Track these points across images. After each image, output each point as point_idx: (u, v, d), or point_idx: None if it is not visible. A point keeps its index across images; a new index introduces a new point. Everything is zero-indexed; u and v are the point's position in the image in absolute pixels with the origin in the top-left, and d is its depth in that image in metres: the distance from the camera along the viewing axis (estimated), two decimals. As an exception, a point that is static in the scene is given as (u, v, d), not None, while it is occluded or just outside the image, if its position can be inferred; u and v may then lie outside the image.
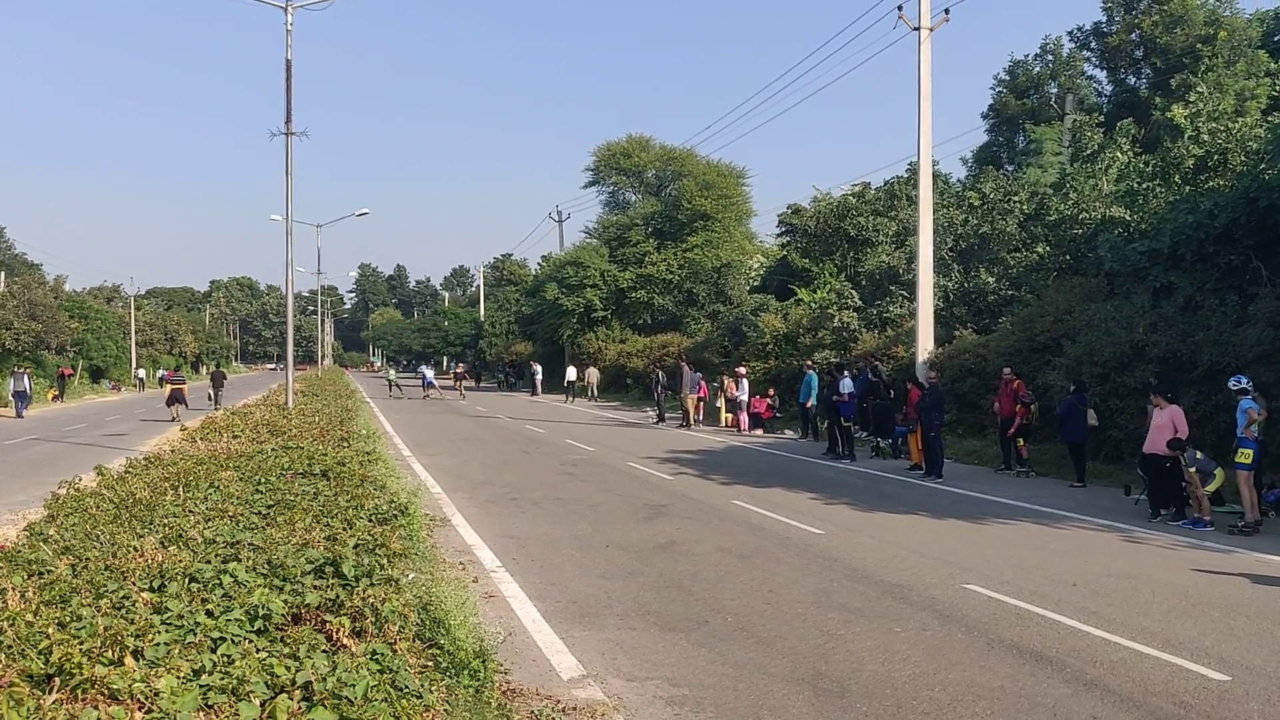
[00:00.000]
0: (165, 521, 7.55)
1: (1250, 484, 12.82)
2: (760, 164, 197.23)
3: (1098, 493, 16.25)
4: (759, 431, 28.26)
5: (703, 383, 31.87)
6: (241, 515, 7.95)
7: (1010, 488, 17.02)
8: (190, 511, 8.08)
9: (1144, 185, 24.12)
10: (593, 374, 49.37)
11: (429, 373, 54.62)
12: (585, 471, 19.06)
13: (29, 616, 4.72)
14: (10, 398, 39.88)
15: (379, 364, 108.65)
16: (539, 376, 54.75)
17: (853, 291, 32.35)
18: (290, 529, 7.31)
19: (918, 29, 23.94)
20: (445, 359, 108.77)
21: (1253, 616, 8.43)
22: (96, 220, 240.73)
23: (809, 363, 27.42)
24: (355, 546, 6.75)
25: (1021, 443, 18.89)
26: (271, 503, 8.73)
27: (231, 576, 5.66)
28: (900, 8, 24.10)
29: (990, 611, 8.56)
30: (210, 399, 39.43)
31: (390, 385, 57.36)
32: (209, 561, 6.01)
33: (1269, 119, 26.07)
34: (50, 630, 4.45)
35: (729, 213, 51.87)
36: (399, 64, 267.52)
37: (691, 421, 30.95)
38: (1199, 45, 39.47)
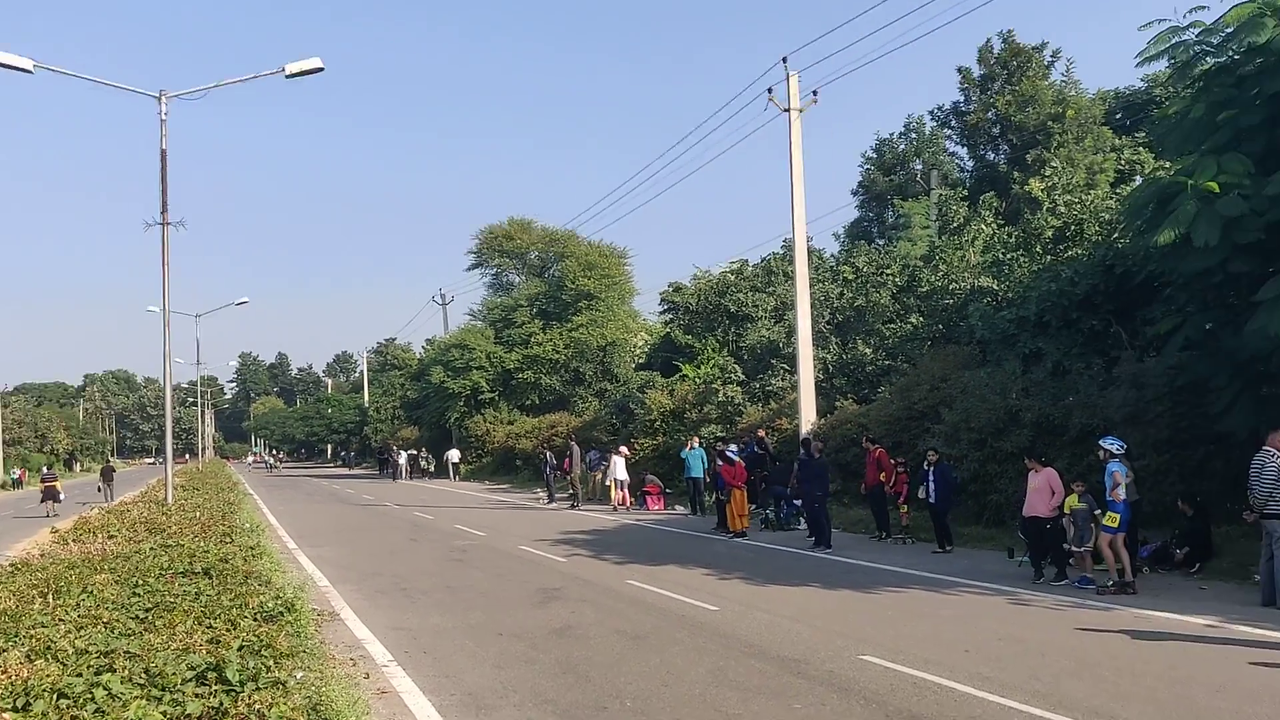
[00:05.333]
0: (32, 633, 7.12)
1: (1114, 546, 13.18)
2: (641, 244, 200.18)
3: (983, 557, 16.60)
4: (656, 508, 28.23)
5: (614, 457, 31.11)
6: (117, 621, 7.54)
7: (898, 555, 17.28)
8: (60, 620, 7.63)
9: (1008, 256, 25.16)
10: (452, 454, 53.23)
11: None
12: (476, 557, 18.72)
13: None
14: None
15: (263, 455, 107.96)
16: (402, 460, 57.26)
17: (735, 366, 32.76)
18: (170, 633, 6.97)
19: (787, 110, 24.72)
20: (330, 447, 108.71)
21: (1137, 674, 8.67)
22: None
23: (691, 440, 27.16)
24: (240, 648, 6.48)
25: (904, 509, 19.25)
26: (150, 605, 8.31)
27: (105, 689, 5.36)
28: (770, 90, 24.90)
29: (888, 682, 8.61)
30: (100, 491, 40.98)
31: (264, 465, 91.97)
32: (80, 674, 5.68)
33: (1117, 191, 27.54)
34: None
35: (612, 292, 52.30)
36: (276, 149, 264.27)
37: (581, 501, 30.77)
38: (1050, 123, 41.61)
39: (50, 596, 8.81)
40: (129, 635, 6.89)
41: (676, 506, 28.32)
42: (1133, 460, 14.38)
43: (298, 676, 7.09)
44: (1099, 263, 20.07)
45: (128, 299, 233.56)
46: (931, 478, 17.59)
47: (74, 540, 14.83)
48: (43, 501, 35.88)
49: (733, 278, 39.59)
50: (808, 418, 24.51)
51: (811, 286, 27.97)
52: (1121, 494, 13.18)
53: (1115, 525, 13.08)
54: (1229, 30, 13.38)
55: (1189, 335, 15.38)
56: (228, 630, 7.15)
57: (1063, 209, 23.37)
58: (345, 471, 79.98)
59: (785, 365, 30.63)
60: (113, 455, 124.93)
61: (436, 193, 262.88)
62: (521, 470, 46.86)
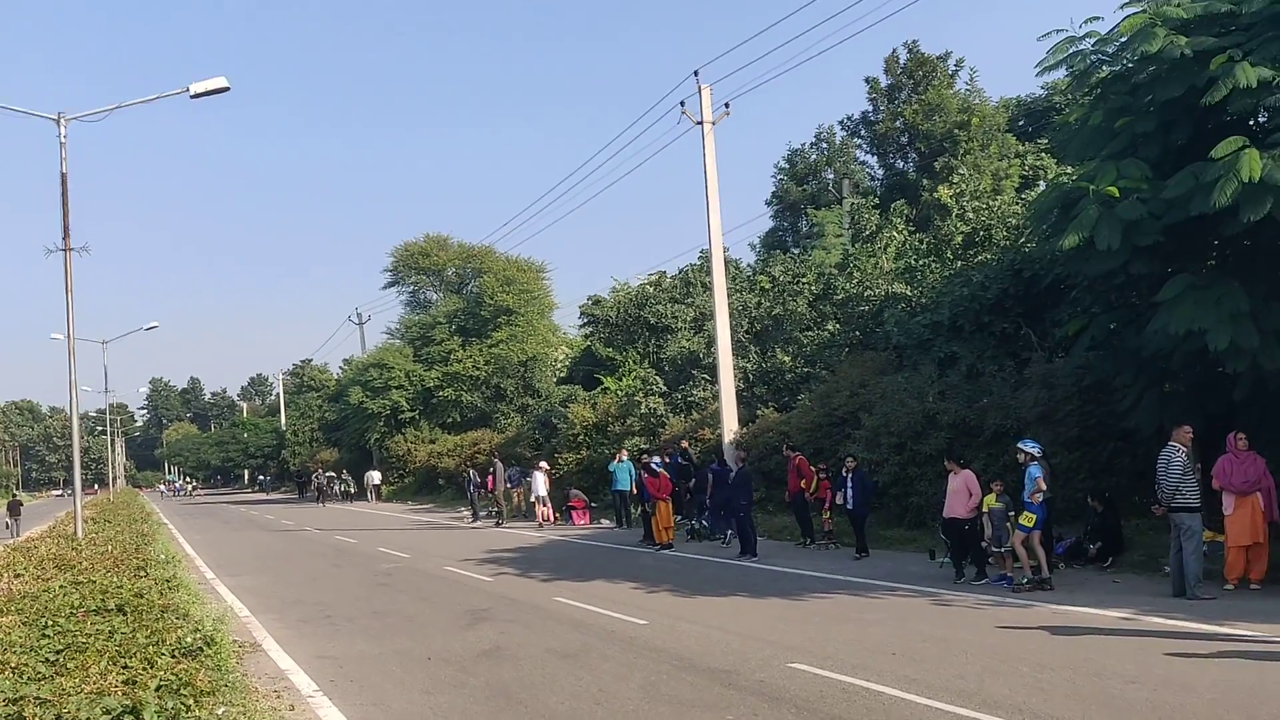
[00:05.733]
0: (-67, 683, 6.86)
1: (1029, 544, 13.42)
2: (559, 258, 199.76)
3: (905, 559, 16.87)
4: (582, 523, 28.17)
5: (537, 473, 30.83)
6: (26, 665, 7.31)
7: (823, 561, 17.48)
8: (-38, 668, 7.39)
9: (920, 262, 25.66)
10: (373, 476, 52.22)
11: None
12: (401, 580, 18.48)
13: None
14: None
15: (178, 483, 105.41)
16: (323, 484, 55.69)
17: (657, 378, 32.89)
18: (83, 675, 6.79)
19: (700, 123, 24.94)
20: (247, 472, 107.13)
21: (1057, 668, 8.88)
22: None
23: (620, 453, 27.26)
24: (158, 688, 6.33)
25: (827, 515, 19.48)
26: (61, 647, 8.08)
27: (14, 741, 5.20)
28: (683, 104, 25.11)
29: (817, 689, 8.70)
30: (7, 527, 40.02)
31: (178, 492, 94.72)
32: (-13, 725, 5.51)
33: (1022, 196, 28.29)
34: None
35: (531, 307, 52.24)
36: (186, 168, 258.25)
37: (505, 518, 30.59)
38: (956, 131, 42.53)
39: (-49, 643, 8.51)
40: (39, 680, 6.69)
41: (603, 520, 28.29)
42: (1048, 459, 14.74)
43: (219, 713, 6.95)
44: (1008, 267, 20.58)
45: (30, 326, 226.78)
46: (849, 484, 17.86)
47: (-24, 582, 14.33)
48: None
49: (651, 289, 39.81)
50: (730, 427, 24.69)
51: (730, 296, 28.21)
52: (1040, 497, 13.48)
53: (1030, 525, 13.38)
54: (1123, 40, 13.82)
55: (1095, 335, 15.83)
56: (144, 669, 6.98)
57: (971, 215, 23.91)
58: (263, 497, 78.46)
59: (706, 375, 30.82)
60: (18, 489, 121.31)
61: (351, 210, 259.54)
62: (444, 489, 46.45)
